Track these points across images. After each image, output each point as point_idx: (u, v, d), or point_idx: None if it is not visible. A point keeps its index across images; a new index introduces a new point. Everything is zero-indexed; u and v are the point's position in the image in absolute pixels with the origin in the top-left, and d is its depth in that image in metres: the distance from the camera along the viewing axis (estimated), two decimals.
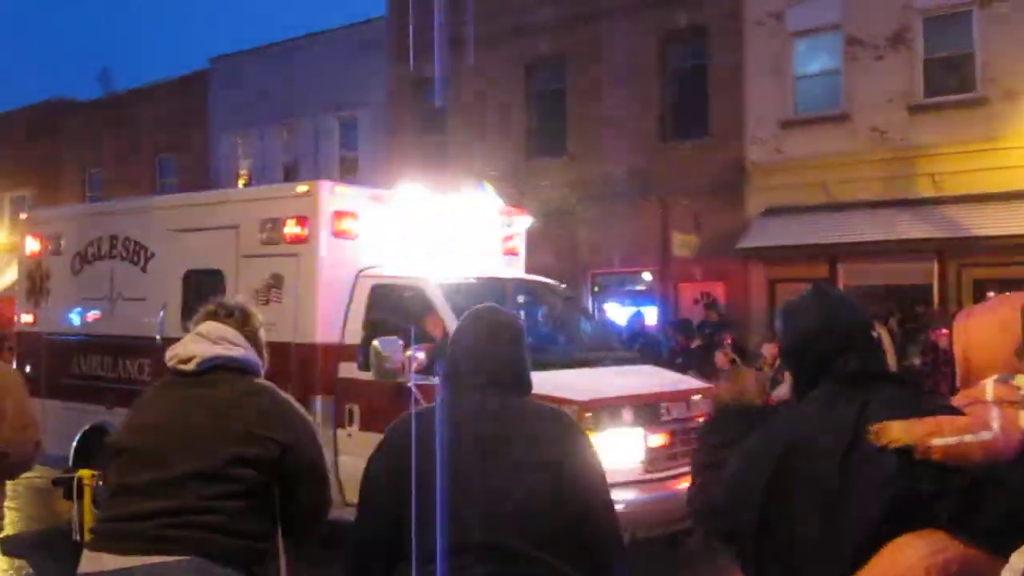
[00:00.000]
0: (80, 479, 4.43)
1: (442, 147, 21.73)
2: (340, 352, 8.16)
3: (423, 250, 8.75)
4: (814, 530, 2.24)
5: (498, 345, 2.78)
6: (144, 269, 9.60)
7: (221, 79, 26.66)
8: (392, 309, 8.05)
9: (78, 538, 4.08)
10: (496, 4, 19.95)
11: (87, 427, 9.62)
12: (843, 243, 16.43)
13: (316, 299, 8.14)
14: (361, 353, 7.84)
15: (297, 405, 3.20)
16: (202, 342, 3.15)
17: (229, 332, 3.19)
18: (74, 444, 9.61)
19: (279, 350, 7.77)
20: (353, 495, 7.36)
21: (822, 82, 17.89)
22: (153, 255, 9.52)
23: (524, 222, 10.11)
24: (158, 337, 8.81)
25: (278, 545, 3.10)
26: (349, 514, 6.98)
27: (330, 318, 8.16)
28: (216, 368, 3.11)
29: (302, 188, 8.52)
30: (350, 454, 7.70)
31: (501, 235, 9.91)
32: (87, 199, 27.81)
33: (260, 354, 3.29)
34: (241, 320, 3.27)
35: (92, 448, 9.05)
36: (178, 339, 3.23)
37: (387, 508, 2.61)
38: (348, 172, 23.19)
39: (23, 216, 11.78)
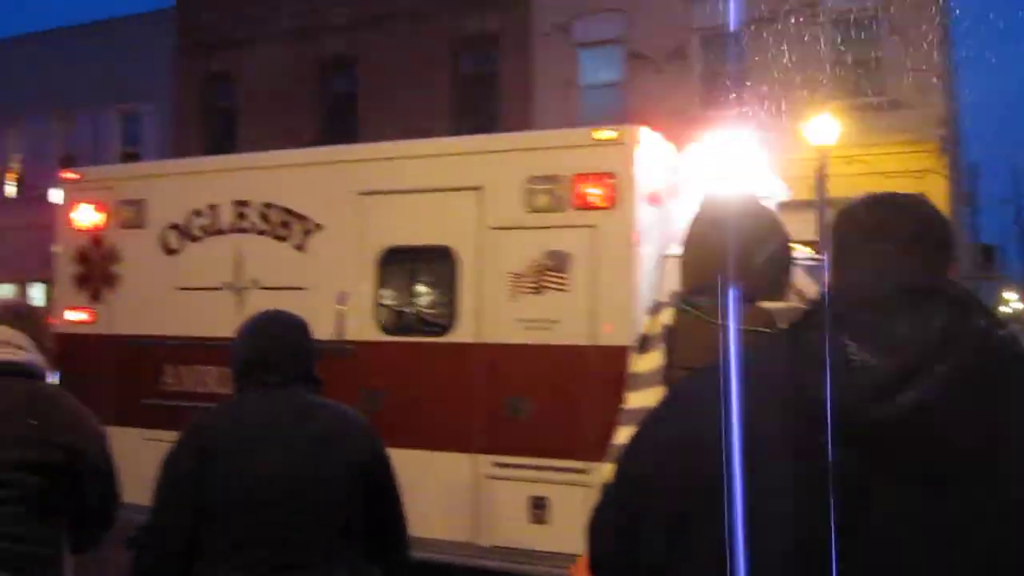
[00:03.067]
0: None
1: (231, 147, 21.04)
2: None
3: None
4: None
5: (286, 342, 2.84)
6: (301, 247, 7.27)
7: None
8: None
9: None
10: (291, 4, 19.43)
11: None
12: None
13: (632, 287, 6.16)
14: None
15: (83, 407, 3.09)
16: None
17: (15, 336, 3.06)
18: None
19: (566, 355, 6.26)
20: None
21: (605, 93, 18.40)
22: (318, 227, 7.21)
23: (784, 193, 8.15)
24: (342, 340, 6.58)
25: (63, 548, 2.99)
26: None
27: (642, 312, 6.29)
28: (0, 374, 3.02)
29: (606, 134, 6.45)
30: None
31: None
32: None
33: (48, 356, 3.18)
34: (26, 321, 3.15)
35: None
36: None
37: (188, 502, 2.66)
38: None
39: (68, 175, 8.56)
